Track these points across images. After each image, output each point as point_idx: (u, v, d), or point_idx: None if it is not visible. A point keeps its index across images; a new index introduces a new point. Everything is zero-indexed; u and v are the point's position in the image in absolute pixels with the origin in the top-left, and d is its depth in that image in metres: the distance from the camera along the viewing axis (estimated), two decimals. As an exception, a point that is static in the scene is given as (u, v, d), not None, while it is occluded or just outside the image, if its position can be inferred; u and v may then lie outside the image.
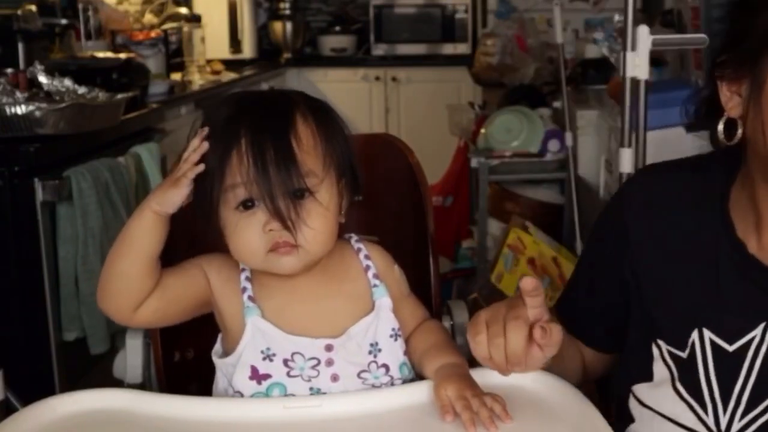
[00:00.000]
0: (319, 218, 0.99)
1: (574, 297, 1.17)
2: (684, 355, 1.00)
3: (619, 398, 1.07)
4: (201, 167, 0.98)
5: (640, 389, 1.04)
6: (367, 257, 1.09)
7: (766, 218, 0.97)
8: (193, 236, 1.26)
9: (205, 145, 0.99)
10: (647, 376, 1.03)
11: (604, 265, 1.11)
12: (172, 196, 0.98)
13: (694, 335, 0.99)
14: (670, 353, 1.01)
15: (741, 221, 0.99)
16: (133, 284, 1.01)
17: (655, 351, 1.03)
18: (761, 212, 0.97)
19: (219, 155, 0.97)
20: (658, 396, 1.02)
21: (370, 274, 1.07)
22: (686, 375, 1.00)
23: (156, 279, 1.02)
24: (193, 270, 1.06)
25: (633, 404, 1.05)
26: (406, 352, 1.07)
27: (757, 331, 0.96)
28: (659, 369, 1.02)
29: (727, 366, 0.97)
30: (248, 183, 0.96)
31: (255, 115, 0.99)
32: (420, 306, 1.14)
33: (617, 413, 1.08)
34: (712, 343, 0.98)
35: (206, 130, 1.00)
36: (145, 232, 1.00)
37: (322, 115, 1.03)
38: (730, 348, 0.97)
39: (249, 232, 0.98)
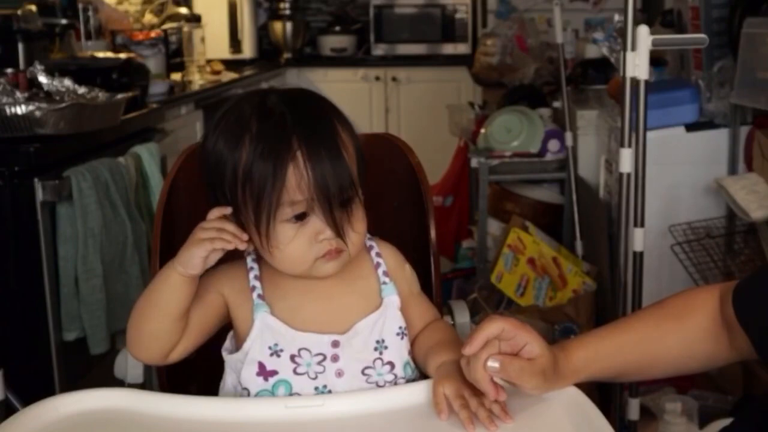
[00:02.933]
0: (361, 221, 1.02)
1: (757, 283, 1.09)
2: None
3: None
4: (226, 244, 0.97)
5: None
6: (378, 255, 1.10)
7: None
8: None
9: (228, 209, 0.99)
10: None
11: None
12: (192, 258, 0.98)
13: None
14: None
15: None
16: (163, 341, 1.03)
17: None
18: None
19: (275, 170, 0.96)
20: None
21: (380, 271, 1.08)
22: None
23: (184, 327, 1.04)
24: (210, 297, 1.06)
25: None
26: (411, 351, 1.07)
27: None
28: None
29: None
30: (309, 198, 0.97)
31: (305, 126, 0.98)
32: (431, 307, 1.15)
33: None
34: None
35: (229, 209, 0.99)
36: (171, 292, 1.00)
37: (342, 115, 1.04)
38: None
39: (302, 241, 0.99)
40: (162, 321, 1.01)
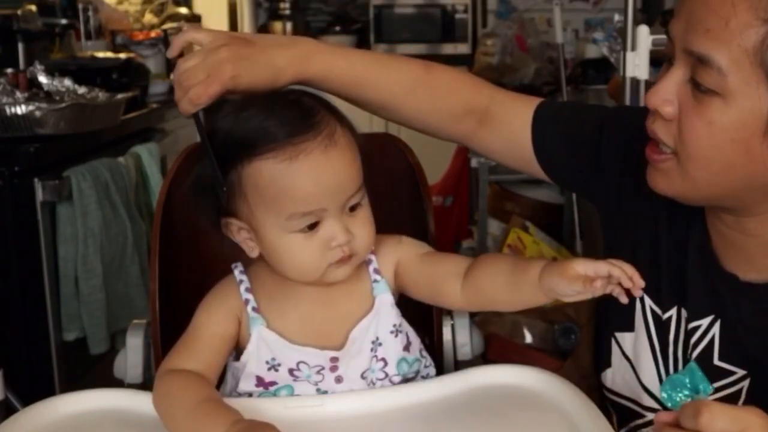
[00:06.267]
0: (370, 224, 1.00)
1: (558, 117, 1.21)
2: (663, 317, 1.04)
3: (602, 339, 1.10)
4: None
5: (623, 338, 1.09)
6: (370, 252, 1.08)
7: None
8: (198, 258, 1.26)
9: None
10: (629, 327, 1.08)
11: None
12: None
13: (673, 311, 1.04)
14: (652, 310, 1.05)
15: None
16: None
17: (638, 303, 1.07)
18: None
19: (292, 178, 0.93)
20: (638, 348, 1.06)
21: (371, 268, 1.06)
22: (661, 337, 1.04)
23: None
24: (232, 331, 1.02)
25: (615, 350, 1.09)
26: (466, 296, 1.01)
27: (704, 321, 1.01)
28: (639, 322, 1.06)
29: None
30: (329, 208, 0.95)
31: (320, 136, 0.96)
32: (456, 255, 1.08)
33: (597, 353, 1.12)
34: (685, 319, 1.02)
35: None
36: None
37: (342, 114, 1.02)
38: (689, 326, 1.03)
39: (313, 249, 0.97)
40: None
